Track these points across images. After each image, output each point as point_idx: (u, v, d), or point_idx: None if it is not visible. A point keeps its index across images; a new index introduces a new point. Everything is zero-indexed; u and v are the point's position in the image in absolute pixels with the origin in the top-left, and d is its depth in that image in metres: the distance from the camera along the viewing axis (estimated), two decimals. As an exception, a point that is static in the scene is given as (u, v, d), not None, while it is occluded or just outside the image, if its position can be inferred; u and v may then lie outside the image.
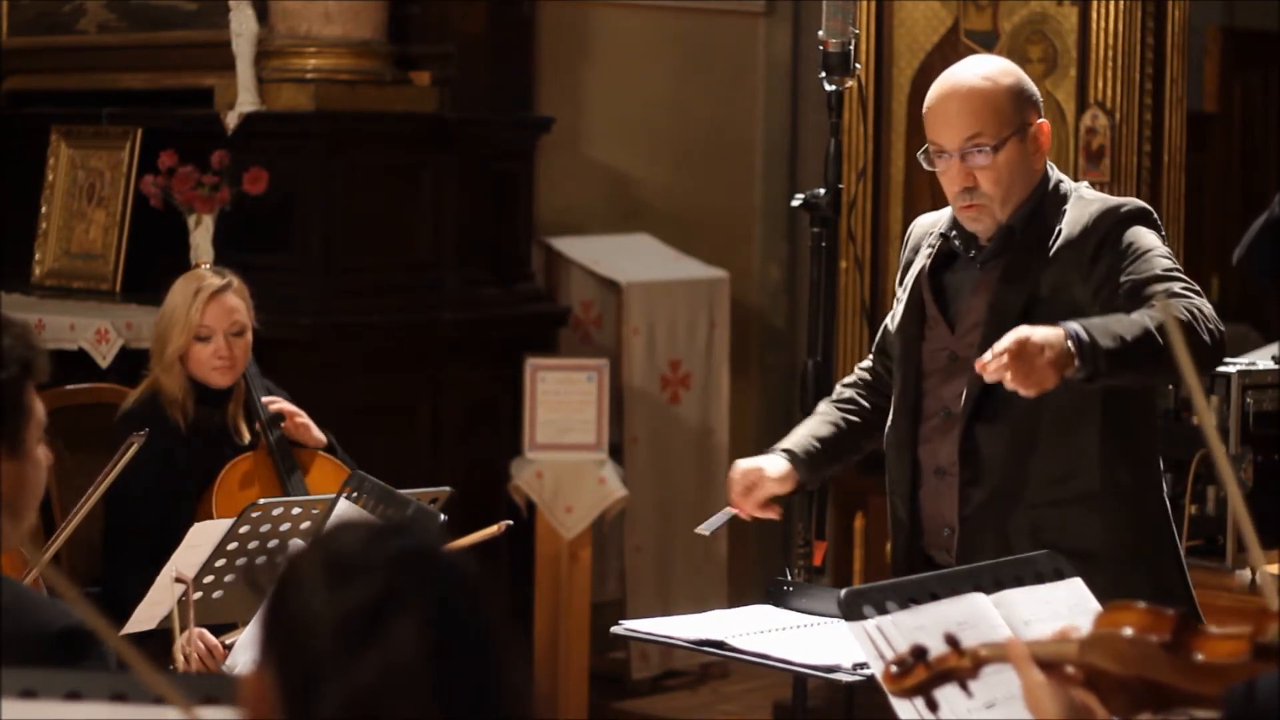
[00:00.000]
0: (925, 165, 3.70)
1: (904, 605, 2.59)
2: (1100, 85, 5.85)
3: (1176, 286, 3.46)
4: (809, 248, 4.18)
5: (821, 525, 4.08)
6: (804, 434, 3.87)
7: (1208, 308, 3.44)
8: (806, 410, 4.00)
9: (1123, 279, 3.51)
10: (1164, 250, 3.56)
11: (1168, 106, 5.84)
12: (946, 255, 3.75)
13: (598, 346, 6.88)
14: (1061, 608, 2.73)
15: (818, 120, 6.27)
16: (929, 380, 3.71)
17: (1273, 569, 4.64)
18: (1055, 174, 3.70)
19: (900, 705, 2.40)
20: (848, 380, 3.98)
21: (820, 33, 4.13)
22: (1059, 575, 2.78)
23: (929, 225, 3.84)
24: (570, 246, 7.01)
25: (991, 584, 2.71)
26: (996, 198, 3.62)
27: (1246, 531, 2.10)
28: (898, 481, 3.76)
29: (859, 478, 5.99)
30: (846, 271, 6.11)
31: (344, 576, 1.76)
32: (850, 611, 2.56)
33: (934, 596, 2.63)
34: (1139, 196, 5.71)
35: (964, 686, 2.30)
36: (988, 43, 6.09)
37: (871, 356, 3.98)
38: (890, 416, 3.78)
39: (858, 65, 4.18)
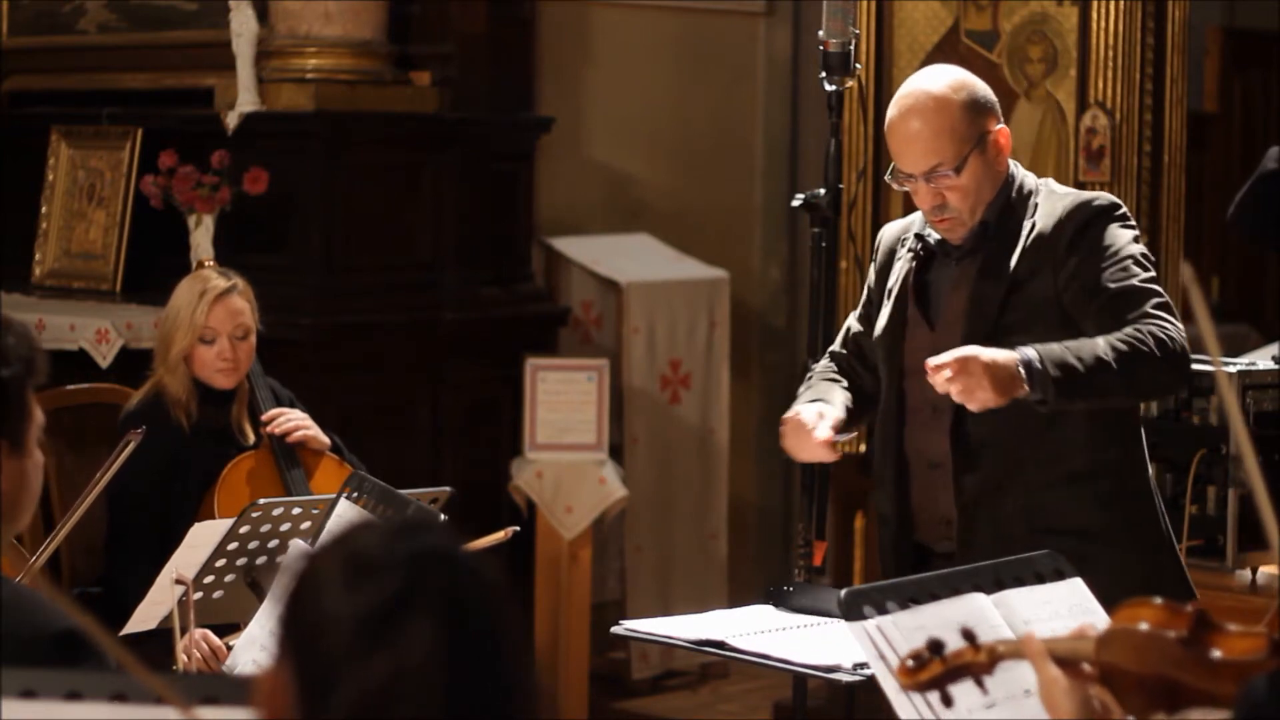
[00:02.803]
0: (895, 186, 3.78)
1: (904, 605, 2.59)
2: (1100, 85, 5.84)
3: (1149, 306, 3.57)
4: (809, 248, 4.18)
5: (821, 525, 4.09)
6: (833, 395, 3.86)
7: (1173, 327, 3.54)
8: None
9: (1102, 283, 3.60)
10: (1137, 251, 3.64)
11: (1168, 106, 5.84)
12: (924, 257, 3.81)
13: (598, 346, 6.88)
14: (1062, 608, 2.73)
15: (818, 120, 6.27)
16: (910, 379, 3.76)
17: (1271, 569, 4.64)
18: (1020, 172, 3.78)
19: (902, 705, 2.40)
20: (825, 364, 3.99)
21: (820, 33, 4.14)
22: (1059, 575, 2.78)
23: (899, 231, 3.92)
24: (570, 246, 7.01)
25: (992, 584, 2.71)
26: (966, 209, 3.72)
27: (1268, 519, 2.08)
28: (883, 478, 3.82)
29: (859, 478, 5.99)
30: (846, 271, 6.11)
31: (363, 575, 1.75)
32: (850, 611, 2.56)
33: (934, 596, 2.63)
34: (1139, 196, 5.74)
35: (979, 682, 2.30)
36: (988, 43, 6.08)
37: (836, 352, 3.99)
38: (879, 414, 3.82)
39: (858, 65, 4.19)
